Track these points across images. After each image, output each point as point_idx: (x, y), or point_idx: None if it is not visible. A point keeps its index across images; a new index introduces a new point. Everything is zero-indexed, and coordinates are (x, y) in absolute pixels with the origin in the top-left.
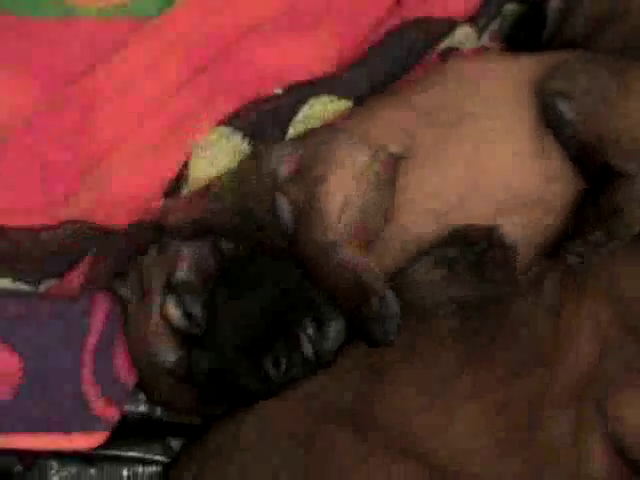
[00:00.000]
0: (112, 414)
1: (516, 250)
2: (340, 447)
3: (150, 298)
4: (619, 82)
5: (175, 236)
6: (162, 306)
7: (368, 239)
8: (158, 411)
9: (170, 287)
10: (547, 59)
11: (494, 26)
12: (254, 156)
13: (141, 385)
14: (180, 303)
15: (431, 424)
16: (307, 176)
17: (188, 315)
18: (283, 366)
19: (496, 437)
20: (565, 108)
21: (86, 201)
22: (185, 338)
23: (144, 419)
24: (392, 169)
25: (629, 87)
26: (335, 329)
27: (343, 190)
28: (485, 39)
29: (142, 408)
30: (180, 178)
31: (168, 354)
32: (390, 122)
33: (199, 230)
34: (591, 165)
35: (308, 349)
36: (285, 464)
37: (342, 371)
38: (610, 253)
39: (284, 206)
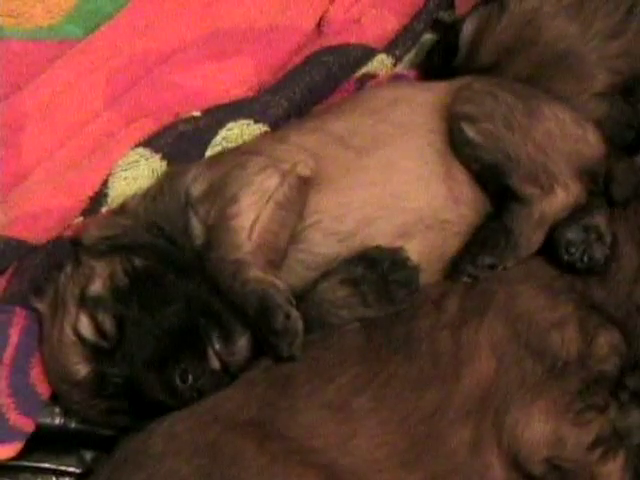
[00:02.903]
0: (27, 425)
1: (419, 271)
2: (243, 457)
3: (64, 313)
4: (523, 107)
5: (90, 253)
6: (74, 321)
7: (276, 258)
8: (73, 423)
9: (83, 302)
10: (456, 85)
11: (411, 55)
12: (168, 176)
13: (56, 397)
14: (92, 318)
15: (333, 436)
16: (218, 196)
17: (100, 329)
18: (190, 379)
19: (397, 450)
20: (469, 130)
21: (7, 216)
22: (96, 352)
23: (59, 431)
24: (300, 191)
25: (533, 113)
26: (242, 343)
27: (253, 211)
28: (402, 67)
29: (57, 420)
30: (100, 196)
31: (79, 367)
32: (301, 146)
33: (113, 247)
34: (492, 187)
35: (215, 362)
36: (192, 473)
37: (249, 382)
38: (509, 272)
39: (195, 224)
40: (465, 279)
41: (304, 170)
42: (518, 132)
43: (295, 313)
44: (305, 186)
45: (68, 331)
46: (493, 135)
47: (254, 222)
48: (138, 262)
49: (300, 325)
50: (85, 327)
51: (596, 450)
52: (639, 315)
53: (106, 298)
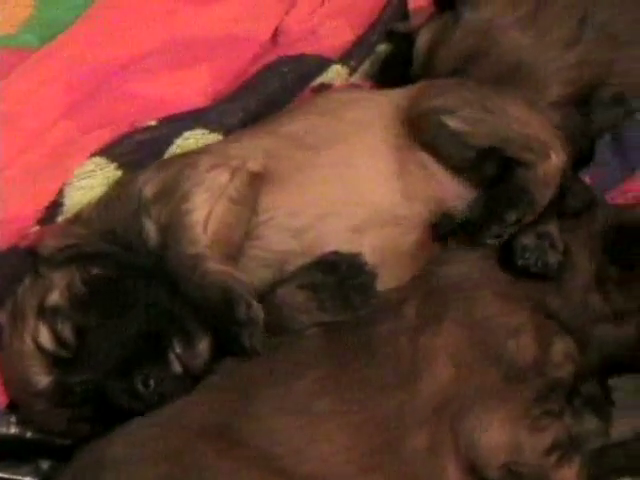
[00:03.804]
0: None
1: (376, 276)
2: (205, 464)
3: (23, 324)
4: (491, 92)
5: (47, 264)
6: (34, 331)
7: (233, 252)
8: (29, 432)
9: (41, 313)
10: (413, 89)
11: (366, 65)
12: (120, 182)
13: (14, 407)
14: (51, 328)
15: (294, 441)
16: (171, 196)
17: (59, 339)
18: (152, 384)
19: (356, 455)
20: (452, 122)
21: None
22: (57, 362)
23: (15, 441)
24: (251, 186)
25: (501, 96)
26: (203, 346)
27: (205, 206)
28: (357, 78)
29: (13, 430)
30: (56, 206)
31: (40, 377)
32: (252, 146)
33: (69, 257)
34: (491, 168)
35: (177, 366)
36: (154, 476)
37: (212, 387)
38: (467, 279)
39: (149, 226)
40: (492, 241)
41: (254, 166)
42: (498, 113)
43: (256, 303)
44: (257, 182)
45: (28, 342)
46: (476, 120)
47: (207, 217)
48: (95, 270)
49: (261, 315)
50: (45, 337)
51: (552, 455)
52: (593, 323)
53: (64, 308)
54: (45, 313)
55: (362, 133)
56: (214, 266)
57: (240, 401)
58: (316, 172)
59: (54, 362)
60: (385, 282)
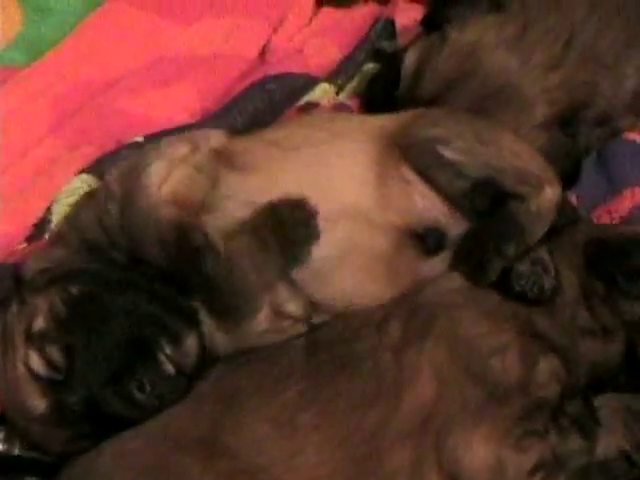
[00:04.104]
0: None
1: (317, 213)
2: (190, 477)
3: (14, 352)
4: (484, 124)
5: (30, 289)
6: (25, 358)
7: (189, 213)
8: (16, 449)
9: (29, 339)
10: (404, 116)
11: (353, 83)
12: (89, 191)
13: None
14: (41, 353)
15: (278, 452)
16: (131, 172)
17: (50, 363)
18: (148, 388)
19: (339, 468)
20: (447, 152)
21: None
22: (51, 385)
23: (2, 457)
24: (212, 159)
25: (493, 128)
26: (190, 342)
27: (162, 172)
28: (344, 96)
29: (0, 446)
30: (43, 223)
31: (36, 402)
32: (221, 135)
33: (49, 280)
34: (484, 200)
35: (169, 367)
36: None
37: (198, 398)
38: (452, 298)
39: (111, 205)
40: (492, 274)
41: (216, 144)
42: (491, 145)
43: (211, 232)
44: (218, 157)
45: (20, 369)
46: (471, 152)
47: (164, 180)
48: (74, 289)
49: (220, 243)
50: (36, 363)
51: (536, 475)
52: (581, 338)
53: (50, 331)
54: (33, 339)
55: (342, 141)
56: (168, 212)
57: (226, 412)
58: (289, 165)
59: (48, 386)
60: (359, 286)
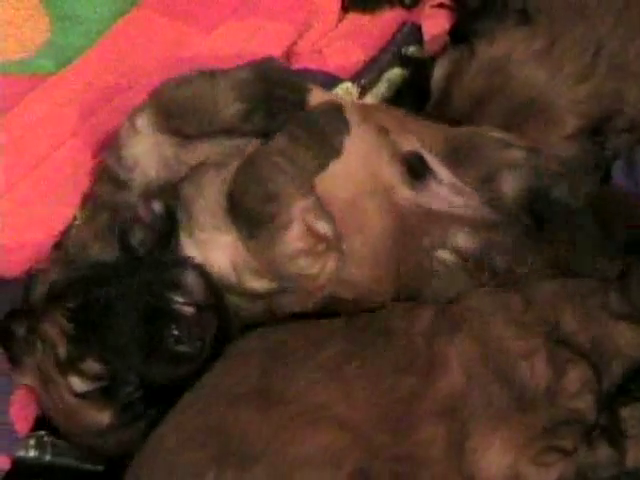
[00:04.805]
0: (3, 463)
1: (307, 90)
2: (250, 431)
3: (55, 385)
4: None
5: (39, 318)
6: (68, 387)
7: None
8: (48, 455)
9: (62, 368)
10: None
11: (379, 88)
12: None
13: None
14: (79, 374)
15: (334, 391)
16: None
17: (91, 377)
18: (185, 337)
19: (385, 414)
20: (562, 192)
21: None
22: (103, 395)
23: (33, 464)
24: None
25: None
26: (190, 279)
27: None
28: (369, 99)
29: (32, 453)
30: (70, 230)
31: (99, 418)
32: None
33: (48, 303)
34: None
35: (187, 309)
36: (209, 459)
37: (245, 353)
38: (479, 307)
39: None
40: None
41: None
42: None
43: None
44: None
45: (69, 399)
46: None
47: None
48: (70, 304)
49: None
50: (80, 385)
51: None
52: (615, 322)
53: (73, 351)
54: (65, 368)
55: (358, 140)
56: None
57: (275, 362)
58: None
59: (102, 398)
60: (364, 264)
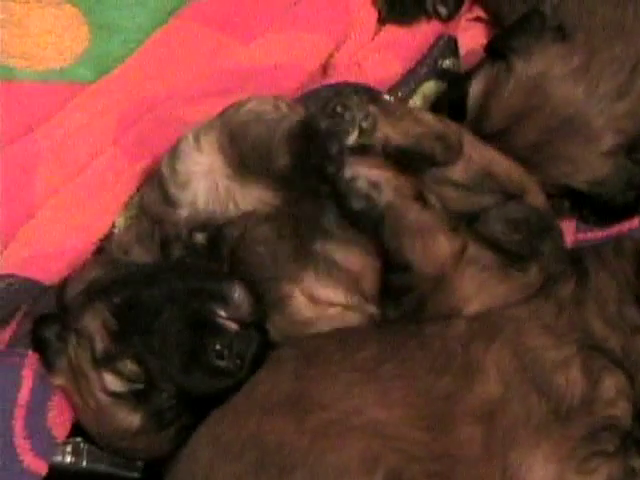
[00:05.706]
0: (40, 468)
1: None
2: (286, 440)
3: (88, 382)
4: None
5: (75, 314)
6: (101, 384)
7: None
8: (84, 461)
9: (97, 364)
10: None
11: (416, 100)
12: None
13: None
14: (114, 372)
15: (368, 394)
16: None
17: (126, 377)
18: (226, 352)
19: (422, 414)
20: None
21: (20, 256)
22: (137, 396)
23: (70, 470)
24: None
25: None
26: (238, 294)
27: None
28: None
29: (69, 459)
30: (109, 238)
31: (131, 419)
32: None
33: (90, 297)
34: None
35: (231, 325)
36: (245, 471)
37: (278, 360)
38: (516, 309)
39: None
40: None
41: None
42: None
43: None
44: None
45: (101, 397)
46: None
47: None
48: (116, 299)
49: None
50: (113, 384)
51: None
52: (633, 336)
53: (112, 347)
54: (101, 363)
55: None
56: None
57: (309, 366)
58: None
59: (133, 399)
60: None
